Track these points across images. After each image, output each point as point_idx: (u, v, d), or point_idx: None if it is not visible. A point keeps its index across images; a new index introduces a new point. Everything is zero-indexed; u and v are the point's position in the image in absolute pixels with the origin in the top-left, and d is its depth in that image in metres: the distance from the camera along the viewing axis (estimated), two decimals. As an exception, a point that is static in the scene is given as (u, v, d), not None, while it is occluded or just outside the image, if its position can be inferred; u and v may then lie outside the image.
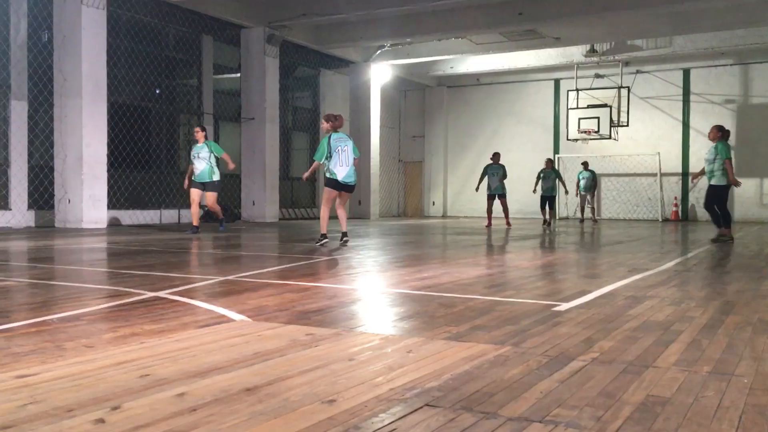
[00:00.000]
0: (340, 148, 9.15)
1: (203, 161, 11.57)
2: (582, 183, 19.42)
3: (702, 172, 10.65)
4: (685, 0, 14.95)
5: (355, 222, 18.29)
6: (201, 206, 12.37)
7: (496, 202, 15.81)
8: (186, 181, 11.91)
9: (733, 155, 20.78)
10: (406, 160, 25.64)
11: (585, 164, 19.69)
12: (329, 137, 9.17)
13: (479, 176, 16.12)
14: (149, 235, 11.36)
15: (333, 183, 9.22)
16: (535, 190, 17.28)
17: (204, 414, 2.12)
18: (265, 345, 3.10)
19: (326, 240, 9.35)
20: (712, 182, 10.23)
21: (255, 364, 2.74)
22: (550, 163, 17.91)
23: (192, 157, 11.74)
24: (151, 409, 2.16)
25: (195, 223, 11.82)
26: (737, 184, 10.33)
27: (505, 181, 15.74)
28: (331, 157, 9.12)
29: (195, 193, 11.76)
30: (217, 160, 11.80)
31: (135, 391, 2.35)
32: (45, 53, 13.45)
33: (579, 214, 20.30)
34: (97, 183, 13.22)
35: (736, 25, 17.30)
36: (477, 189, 16.29)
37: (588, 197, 19.59)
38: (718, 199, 10.25)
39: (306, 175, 9.99)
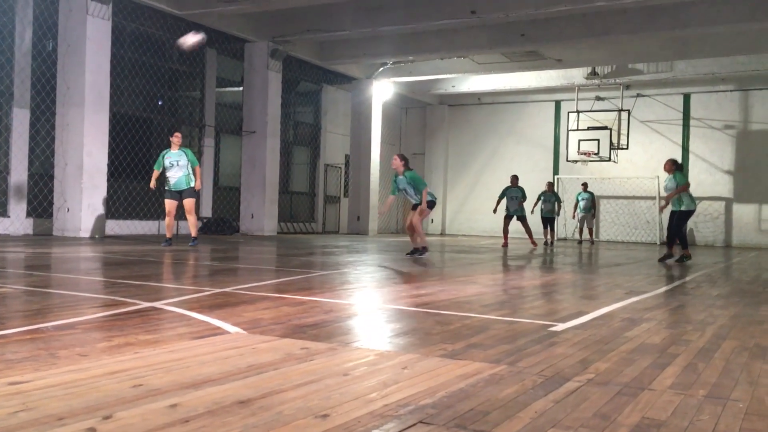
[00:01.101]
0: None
1: (181, 169, 10.87)
2: (581, 204, 19.46)
3: (668, 202, 11.30)
4: (687, 26, 15.05)
5: (352, 238, 18.29)
6: (199, 218, 12.13)
7: (515, 222, 16.11)
8: (153, 183, 11.04)
9: (731, 180, 20.85)
10: (406, 178, 25.64)
11: (584, 185, 19.75)
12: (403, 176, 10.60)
13: (497, 198, 16.33)
14: (147, 246, 11.34)
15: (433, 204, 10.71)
16: (533, 211, 17.35)
17: (196, 425, 2.11)
18: (259, 358, 3.08)
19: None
20: (683, 208, 11.00)
21: (249, 376, 2.73)
22: (551, 186, 18.11)
23: (167, 166, 10.93)
24: (143, 419, 2.15)
25: (169, 236, 11.18)
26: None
27: (524, 203, 16.10)
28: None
29: (171, 204, 11.05)
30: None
31: (127, 400, 2.34)
32: (49, 62, 13.51)
33: (577, 235, 20.30)
34: (96, 192, 13.23)
35: (737, 51, 17.43)
36: (495, 211, 16.36)
37: (587, 218, 19.63)
38: (683, 222, 11.12)
39: (383, 210, 11.63)
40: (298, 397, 2.45)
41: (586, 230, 19.93)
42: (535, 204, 17.57)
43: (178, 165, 10.93)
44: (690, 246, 20.37)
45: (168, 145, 11.35)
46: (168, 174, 10.98)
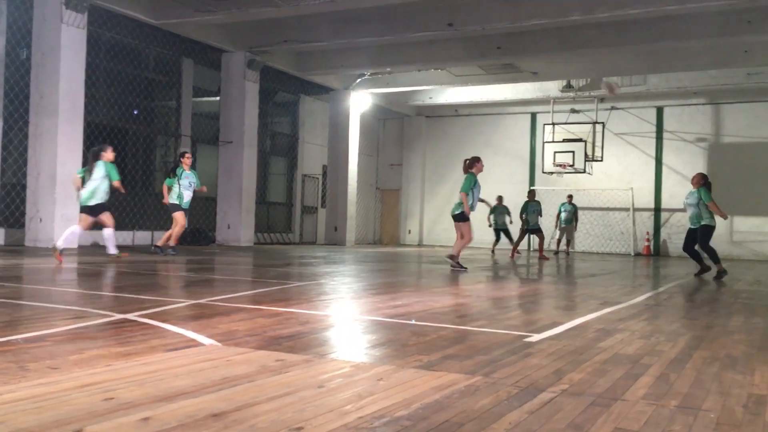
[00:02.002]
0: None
1: (192, 189, 11.66)
2: (563, 216, 19.67)
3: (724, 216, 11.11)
4: (660, 40, 15.31)
5: (329, 248, 18.24)
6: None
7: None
8: (166, 200, 11.63)
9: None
10: (384, 188, 25.71)
11: (570, 197, 19.96)
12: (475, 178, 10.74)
13: (519, 212, 16.96)
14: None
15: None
16: (491, 225, 18.41)
17: (168, 439, 2.08)
18: (233, 370, 3.06)
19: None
20: (703, 223, 10.77)
21: (223, 389, 2.71)
22: (501, 199, 18.64)
23: (186, 185, 11.54)
24: (114, 433, 2.12)
25: (175, 243, 11.86)
26: (726, 217, 11.05)
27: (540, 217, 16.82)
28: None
29: (184, 218, 11.81)
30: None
31: (98, 414, 2.31)
32: (23, 70, 13.35)
33: (554, 246, 20.45)
34: (70, 202, 13.06)
35: (709, 65, 17.75)
36: (522, 223, 16.80)
37: (567, 230, 19.84)
38: (708, 237, 10.83)
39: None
40: (272, 409, 2.44)
41: (564, 241, 20.10)
42: (488, 217, 18.41)
43: (191, 186, 11.62)
44: (663, 257, 20.68)
45: (169, 165, 11.76)
46: (185, 192, 11.56)
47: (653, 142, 21.79)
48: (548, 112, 21.92)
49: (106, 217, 10.22)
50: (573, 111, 22.27)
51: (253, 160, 17.61)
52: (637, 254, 21.29)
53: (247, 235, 17.41)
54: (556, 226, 20.08)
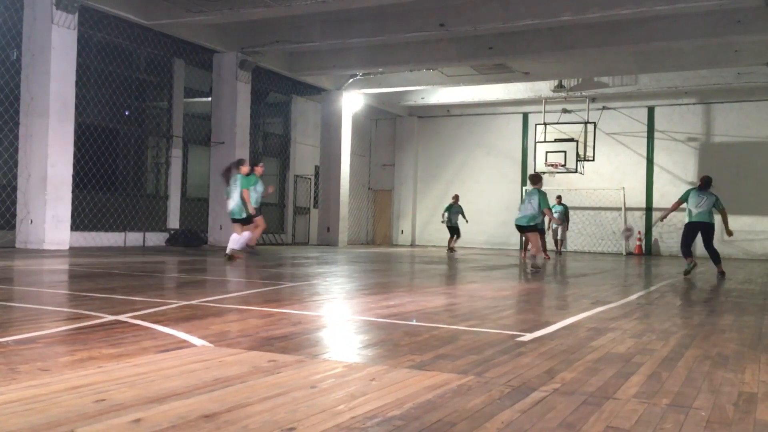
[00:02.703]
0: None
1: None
2: (554, 216, 19.69)
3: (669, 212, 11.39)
4: (651, 40, 15.37)
5: (322, 249, 18.23)
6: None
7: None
8: (252, 208, 11.29)
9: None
10: (376, 188, 25.71)
11: (559, 198, 19.99)
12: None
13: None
14: (112, 258, 11.17)
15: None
16: (443, 221, 18.90)
17: (160, 440, 2.07)
18: (225, 371, 3.05)
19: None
20: (713, 222, 10.79)
21: (214, 390, 2.70)
22: (456, 198, 19.43)
23: (259, 190, 11.80)
24: (106, 435, 2.11)
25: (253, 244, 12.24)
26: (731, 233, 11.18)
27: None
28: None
29: (263, 221, 12.20)
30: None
31: (89, 416, 2.30)
32: (13, 71, 13.28)
33: (554, 246, 20.47)
34: (60, 204, 13.01)
35: (699, 65, 17.83)
36: (559, 222, 17.05)
37: (560, 230, 19.88)
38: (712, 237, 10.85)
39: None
40: (264, 410, 2.43)
41: (558, 241, 20.15)
42: (443, 215, 19.11)
43: (257, 190, 11.88)
44: (654, 256, 20.76)
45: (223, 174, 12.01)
46: (255, 197, 11.71)
47: (644, 141, 21.87)
48: (540, 112, 21.97)
49: (249, 227, 11.27)
50: (564, 111, 22.33)
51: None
52: (629, 254, 21.36)
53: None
54: (548, 228, 20.09)
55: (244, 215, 11.08)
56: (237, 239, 11.15)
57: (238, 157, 12.66)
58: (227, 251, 11.00)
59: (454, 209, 19.12)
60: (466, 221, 19.34)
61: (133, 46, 15.86)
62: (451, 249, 18.95)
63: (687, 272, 10.90)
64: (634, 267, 14.26)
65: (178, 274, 8.93)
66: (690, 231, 10.84)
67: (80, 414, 2.31)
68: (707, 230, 10.70)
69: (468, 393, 2.79)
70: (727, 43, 16.02)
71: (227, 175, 11.56)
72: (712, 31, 14.66)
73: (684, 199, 11.00)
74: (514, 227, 17.54)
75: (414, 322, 3.71)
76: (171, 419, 2.29)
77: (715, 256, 10.83)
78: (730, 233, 11.00)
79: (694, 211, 10.75)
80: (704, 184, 11.04)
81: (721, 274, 10.87)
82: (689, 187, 21.38)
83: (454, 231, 19.15)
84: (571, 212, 21.11)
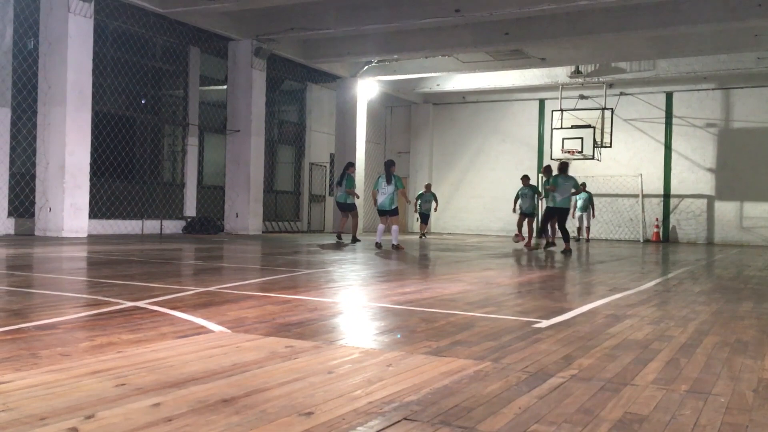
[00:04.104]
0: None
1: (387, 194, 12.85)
2: (579, 203, 19.58)
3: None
4: (669, 25, 15.17)
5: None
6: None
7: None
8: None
9: (713, 178, 21.10)
10: (391, 176, 25.65)
11: (583, 185, 19.81)
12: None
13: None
14: (130, 245, 11.27)
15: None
16: (416, 208, 19.35)
17: (179, 424, 2.09)
18: (243, 356, 3.07)
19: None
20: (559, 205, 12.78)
21: (233, 375, 2.72)
22: (429, 187, 19.77)
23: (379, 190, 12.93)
24: (126, 418, 2.13)
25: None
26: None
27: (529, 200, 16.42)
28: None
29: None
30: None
31: (110, 400, 2.32)
32: (30, 60, 13.37)
33: (576, 234, 20.36)
34: (78, 192, 13.11)
35: (718, 50, 17.58)
36: (514, 210, 16.72)
37: (584, 217, 19.77)
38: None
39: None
40: (282, 395, 2.45)
41: (583, 229, 20.05)
42: (415, 203, 19.43)
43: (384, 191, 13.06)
44: (672, 243, 20.62)
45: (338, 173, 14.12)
46: (379, 199, 12.97)
47: (662, 127, 21.65)
48: (557, 98, 21.79)
49: (393, 220, 12.91)
50: (581, 97, 22.13)
51: (260, 148, 17.61)
52: (647, 241, 21.22)
53: (255, 223, 17.44)
54: (572, 215, 19.93)
55: (395, 207, 12.82)
56: (381, 230, 12.97)
57: (347, 161, 16.01)
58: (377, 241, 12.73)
59: (425, 198, 19.43)
60: (435, 209, 19.84)
61: (148, 35, 15.90)
62: (422, 235, 19.40)
63: (536, 248, 12.80)
64: (651, 254, 14.16)
65: (195, 261, 8.99)
66: (553, 214, 12.89)
67: (100, 398, 2.34)
68: (563, 213, 12.83)
69: (485, 379, 2.79)
70: (747, 27, 15.77)
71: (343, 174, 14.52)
72: (732, 15, 14.44)
73: (555, 185, 12.68)
74: (422, 213, 17.89)
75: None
76: (190, 403, 2.31)
77: (566, 235, 12.81)
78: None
79: (559, 197, 12.60)
80: (565, 170, 12.89)
81: (569, 251, 12.36)
82: (707, 173, 21.43)
83: (425, 217, 19.64)
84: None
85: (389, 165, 12.93)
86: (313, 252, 11.42)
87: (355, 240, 14.75)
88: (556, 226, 14.47)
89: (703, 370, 3.09)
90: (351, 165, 15.06)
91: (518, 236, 15.59)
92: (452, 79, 22.47)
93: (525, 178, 16.19)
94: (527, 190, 15.92)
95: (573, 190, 13.21)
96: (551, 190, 12.96)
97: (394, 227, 12.82)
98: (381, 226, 12.94)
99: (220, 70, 18.29)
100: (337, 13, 15.96)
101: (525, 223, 15.77)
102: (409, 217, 25.29)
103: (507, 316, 4.60)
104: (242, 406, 2.29)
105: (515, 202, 16.03)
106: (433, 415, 2.26)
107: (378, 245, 12.55)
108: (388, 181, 12.67)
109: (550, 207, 13.22)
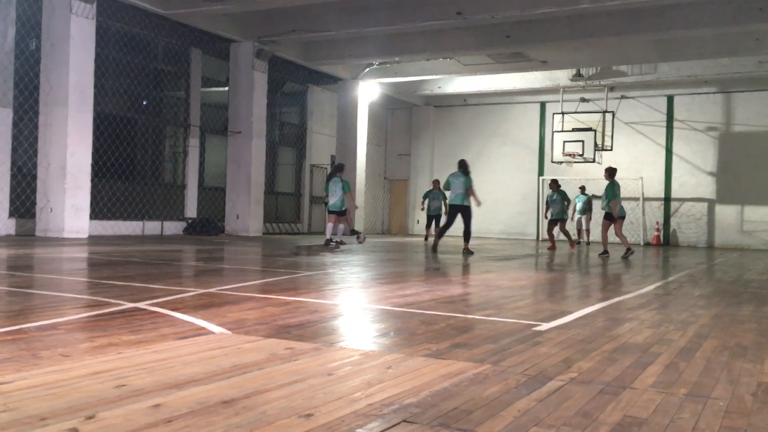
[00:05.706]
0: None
1: (439, 200, 13.81)
2: (578, 206, 19.57)
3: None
4: (670, 28, 15.18)
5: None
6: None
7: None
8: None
9: (714, 182, 21.03)
10: (392, 178, 25.70)
11: (582, 188, 19.83)
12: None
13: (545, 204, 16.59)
14: (131, 246, 11.28)
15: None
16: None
17: (179, 425, 2.10)
18: (243, 358, 3.08)
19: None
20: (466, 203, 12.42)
21: (233, 376, 2.73)
22: (437, 184, 18.39)
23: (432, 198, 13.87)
24: (126, 419, 2.14)
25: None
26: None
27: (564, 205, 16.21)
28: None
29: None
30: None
31: (110, 401, 2.33)
32: (32, 61, 13.40)
33: (576, 237, 20.34)
34: (79, 192, 13.13)
35: (719, 54, 17.59)
36: (546, 216, 16.46)
37: (583, 220, 19.75)
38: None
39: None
40: (281, 396, 2.45)
41: (583, 232, 20.03)
42: (423, 202, 18.62)
43: (437, 199, 14.03)
44: (673, 246, 20.60)
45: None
46: (432, 206, 13.96)
47: (663, 131, 21.65)
48: (557, 101, 21.81)
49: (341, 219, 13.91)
50: (582, 100, 22.15)
51: (261, 150, 17.62)
52: (647, 244, 21.22)
53: (255, 225, 17.45)
54: (572, 218, 19.95)
55: (343, 209, 13.67)
56: (330, 228, 13.67)
57: (338, 162, 15.68)
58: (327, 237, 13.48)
59: (433, 195, 18.58)
60: (445, 210, 18.97)
61: (150, 36, 15.93)
62: (430, 238, 18.59)
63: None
64: (651, 257, 14.16)
65: (196, 262, 9.00)
66: (453, 213, 12.64)
67: (101, 399, 2.34)
68: (465, 211, 12.39)
69: (484, 381, 2.79)
70: (749, 31, 15.79)
71: (330, 177, 14.24)
72: (733, 19, 14.45)
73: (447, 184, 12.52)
74: (531, 217, 17.64)
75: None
76: (190, 405, 2.31)
77: (468, 235, 12.67)
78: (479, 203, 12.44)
79: (451, 195, 12.49)
80: (462, 168, 12.48)
81: (469, 252, 12.42)
82: (708, 176, 21.43)
83: (433, 219, 18.66)
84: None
85: (338, 169, 13.97)
86: (313, 254, 11.43)
87: (330, 242, 13.87)
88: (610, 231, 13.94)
89: (702, 374, 3.09)
90: (342, 167, 14.21)
91: (552, 247, 15.62)
92: (453, 82, 22.49)
93: (554, 183, 16.04)
94: (556, 195, 15.79)
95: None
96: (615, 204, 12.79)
97: (341, 225, 14.13)
98: (342, 226, 14.14)
99: (221, 71, 18.31)
100: (338, 15, 15.98)
101: (557, 227, 15.84)
102: (410, 220, 25.30)
103: (507, 318, 4.60)
104: (242, 408, 2.30)
105: (547, 209, 15.97)
106: (432, 418, 2.27)
107: (340, 243, 13.77)
108: (329, 184, 13.84)
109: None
